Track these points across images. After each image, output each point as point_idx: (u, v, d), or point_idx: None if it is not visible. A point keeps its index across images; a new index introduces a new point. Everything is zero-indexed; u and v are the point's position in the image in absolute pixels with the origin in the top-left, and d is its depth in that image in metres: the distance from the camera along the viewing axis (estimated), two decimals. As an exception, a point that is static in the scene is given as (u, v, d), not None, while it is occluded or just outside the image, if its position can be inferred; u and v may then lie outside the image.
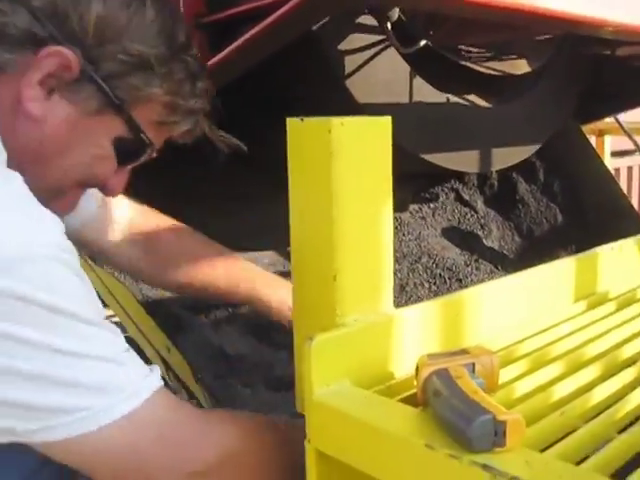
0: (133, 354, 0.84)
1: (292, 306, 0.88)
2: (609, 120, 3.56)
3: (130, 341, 1.80)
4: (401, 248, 2.22)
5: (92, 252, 1.35)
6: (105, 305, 1.90)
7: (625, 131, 3.25)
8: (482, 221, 2.42)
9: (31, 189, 0.80)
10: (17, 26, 0.83)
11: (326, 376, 0.77)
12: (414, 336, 0.84)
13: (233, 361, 1.67)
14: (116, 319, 2.10)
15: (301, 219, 0.84)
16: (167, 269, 1.34)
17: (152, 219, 1.36)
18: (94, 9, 0.85)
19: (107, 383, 0.78)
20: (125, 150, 0.94)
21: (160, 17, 0.90)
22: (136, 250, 1.32)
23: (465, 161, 2.10)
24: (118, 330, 0.84)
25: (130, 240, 1.32)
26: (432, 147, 1.96)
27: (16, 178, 0.78)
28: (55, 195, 0.95)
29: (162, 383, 0.85)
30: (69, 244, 0.78)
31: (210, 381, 1.58)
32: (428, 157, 1.95)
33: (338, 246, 0.80)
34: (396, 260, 2.14)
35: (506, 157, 2.27)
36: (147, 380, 0.83)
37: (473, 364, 0.75)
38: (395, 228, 2.23)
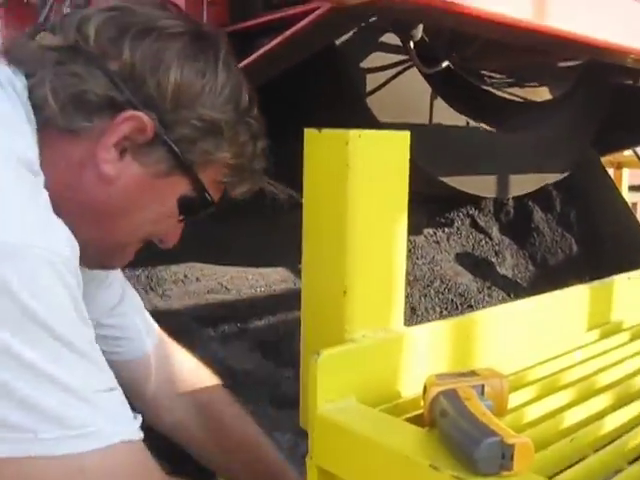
0: (115, 397, 0.79)
1: (301, 320, 0.86)
2: (628, 153, 3.55)
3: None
4: (414, 272, 2.20)
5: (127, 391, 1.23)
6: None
7: (644, 164, 3.24)
8: (496, 248, 2.40)
9: (94, 245, 0.81)
10: (96, 93, 0.84)
11: (331, 392, 0.75)
12: (423, 355, 0.83)
13: (239, 376, 1.66)
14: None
15: (314, 231, 0.83)
16: (222, 450, 1.22)
17: (205, 377, 1.25)
18: (172, 76, 0.86)
19: (62, 414, 0.72)
20: (187, 207, 0.94)
21: (230, 82, 0.91)
22: (187, 408, 1.20)
23: (482, 185, 2.09)
24: (106, 367, 0.79)
25: (182, 397, 1.20)
26: (450, 170, 1.95)
27: (44, 193, 0.77)
28: (120, 250, 0.96)
29: (140, 435, 0.80)
30: (73, 263, 0.75)
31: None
32: (446, 179, 1.94)
33: (350, 260, 0.79)
34: (408, 283, 2.13)
35: (524, 184, 2.26)
36: (118, 427, 0.77)
37: (482, 386, 0.73)
38: (409, 251, 2.20)
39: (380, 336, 0.81)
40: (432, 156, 1.88)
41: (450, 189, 2.00)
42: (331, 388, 0.75)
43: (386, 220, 0.81)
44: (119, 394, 0.79)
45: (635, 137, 2.72)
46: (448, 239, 2.37)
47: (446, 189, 2.00)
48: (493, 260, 2.37)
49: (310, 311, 0.85)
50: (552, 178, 2.32)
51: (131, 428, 0.79)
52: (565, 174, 2.34)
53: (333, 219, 0.80)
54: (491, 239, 2.41)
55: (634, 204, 5.36)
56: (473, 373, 0.76)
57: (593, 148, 2.54)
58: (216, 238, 2.05)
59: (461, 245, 2.37)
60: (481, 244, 2.40)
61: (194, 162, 0.90)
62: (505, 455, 0.60)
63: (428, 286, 2.13)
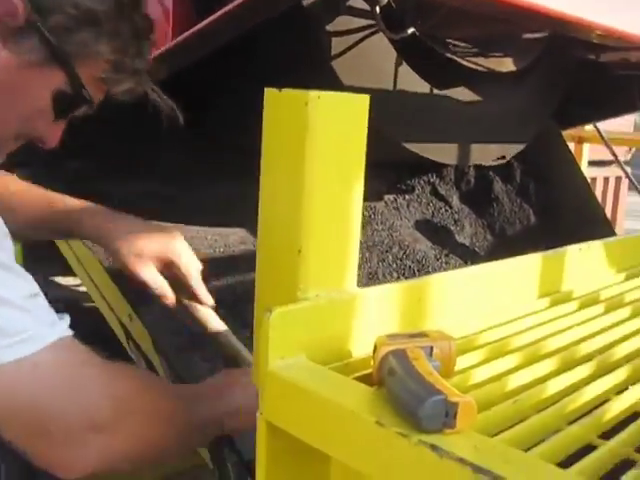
0: (41, 301, 0.83)
1: (256, 278, 0.87)
2: (589, 128, 3.59)
3: (94, 310, 1.80)
4: (373, 237, 2.22)
5: None
6: (72, 273, 1.89)
7: (604, 140, 3.27)
8: (456, 216, 2.43)
9: None
10: None
11: (282, 349, 0.76)
12: (375, 316, 0.84)
13: (195, 336, 1.66)
14: (83, 288, 2.08)
15: (271, 190, 0.83)
16: None
17: None
18: None
19: (2, 325, 0.77)
20: (64, 104, 0.92)
21: None
22: None
23: (444, 153, 2.11)
24: (27, 275, 0.83)
25: None
26: (413, 136, 1.96)
27: None
28: None
29: (70, 333, 0.85)
30: None
31: (170, 353, 1.57)
32: (409, 145, 1.95)
33: (305, 220, 0.79)
34: (367, 249, 2.14)
35: (486, 154, 2.28)
36: (52, 328, 0.82)
37: (431, 347, 0.75)
38: (368, 217, 2.23)
39: (333, 296, 0.81)
40: (396, 121, 1.89)
41: (412, 155, 2.01)
42: (282, 345, 0.76)
43: (343, 182, 0.82)
44: (43, 298, 0.84)
45: (596, 112, 2.75)
46: (408, 206, 2.38)
47: (408, 155, 2.01)
48: (452, 228, 2.39)
49: (264, 270, 0.85)
50: (514, 150, 2.34)
51: (63, 327, 0.85)
52: (524, 145, 2.36)
53: (290, 179, 0.80)
54: (451, 207, 2.43)
55: (593, 179, 5.44)
56: (423, 334, 0.77)
57: (555, 121, 2.56)
58: (176, 198, 2.05)
59: (421, 212, 2.39)
60: (441, 212, 2.42)
61: (70, 54, 0.87)
62: (449, 413, 0.62)
63: (386, 252, 2.14)
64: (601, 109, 2.67)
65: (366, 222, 2.20)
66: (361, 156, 0.83)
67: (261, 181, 0.83)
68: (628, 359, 0.89)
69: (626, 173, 3.81)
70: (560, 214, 2.50)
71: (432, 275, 0.95)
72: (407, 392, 0.65)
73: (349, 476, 0.84)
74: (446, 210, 2.43)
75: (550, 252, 1.16)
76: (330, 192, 0.81)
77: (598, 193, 5.51)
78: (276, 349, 0.76)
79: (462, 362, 0.83)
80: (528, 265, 1.10)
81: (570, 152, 2.77)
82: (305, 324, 0.78)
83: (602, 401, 0.76)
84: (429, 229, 2.36)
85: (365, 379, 0.76)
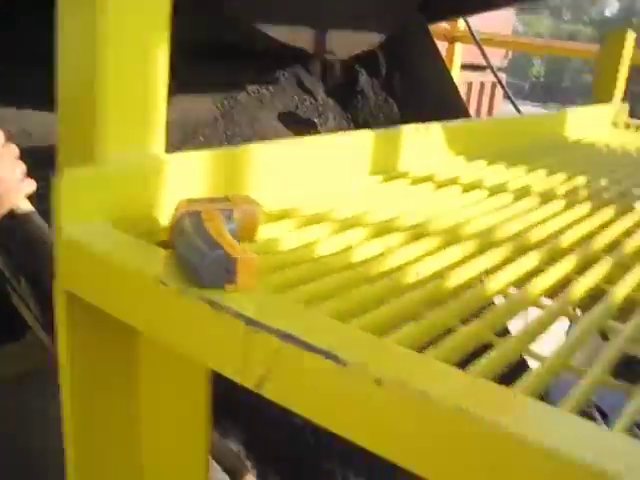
0: None
1: (57, 141, 0.81)
2: (464, 28, 3.59)
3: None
4: (233, 128, 2.16)
5: None
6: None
7: (475, 39, 3.29)
8: (320, 109, 2.40)
9: None
10: None
11: (77, 214, 0.72)
12: (183, 183, 0.80)
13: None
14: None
15: (68, 42, 0.77)
16: None
17: None
18: None
19: None
20: None
21: None
22: None
23: (304, 39, 2.05)
24: None
25: None
26: (270, 20, 1.89)
27: None
28: None
29: None
30: None
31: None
32: (264, 29, 1.88)
33: (103, 77, 0.74)
34: (226, 139, 2.10)
35: (347, 44, 2.24)
36: None
37: (231, 211, 0.72)
38: (229, 107, 2.17)
39: (134, 159, 0.77)
40: (251, 6, 1.82)
41: (274, 43, 1.95)
42: (77, 210, 0.72)
43: (146, 36, 0.76)
44: None
45: (464, 6, 2.74)
46: (272, 97, 2.33)
47: (270, 42, 1.94)
48: (316, 120, 2.36)
49: (64, 132, 0.80)
50: (377, 39, 2.31)
51: None
52: (386, 35, 2.32)
53: (87, 29, 0.74)
54: (315, 99, 2.39)
55: (470, 83, 5.50)
56: (226, 199, 0.75)
57: (421, 14, 2.54)
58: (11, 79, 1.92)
59: (285, 104, 2.35)
60: (305, 104, 2.38)
61: None
62: (229, 269, 0.60)
63: (245, 142, 2.10)
64: (465, 3, 2.67)
65: (226, 112, 2.14)
66: (167, 10, 0.77)
67: (58, 31, 0.77)
68: (442, 231, 0.89)
69: (498, 79, 3.81)
70: (423, 109, 2.50)
71: (252, 144, 0.91)
72: (191, 249, 0.62)
73: (157, 347, 0.82)
74: (311, 103, 2.39)
75: (386, 129, 1.15)
76: (131, 47, 0.75)
77: (474, 98, 5.60)
78: (70, 214, 0.71)
79: (273, 231, 0.81)
80: (361, 140, 1.09)
81: (436, 47, 2.75)
82: (103, 188, 0.74)
83: (402, 265, 0.76)
84: (292, 121, 2.32)
85: (163, 245, 0.73)
